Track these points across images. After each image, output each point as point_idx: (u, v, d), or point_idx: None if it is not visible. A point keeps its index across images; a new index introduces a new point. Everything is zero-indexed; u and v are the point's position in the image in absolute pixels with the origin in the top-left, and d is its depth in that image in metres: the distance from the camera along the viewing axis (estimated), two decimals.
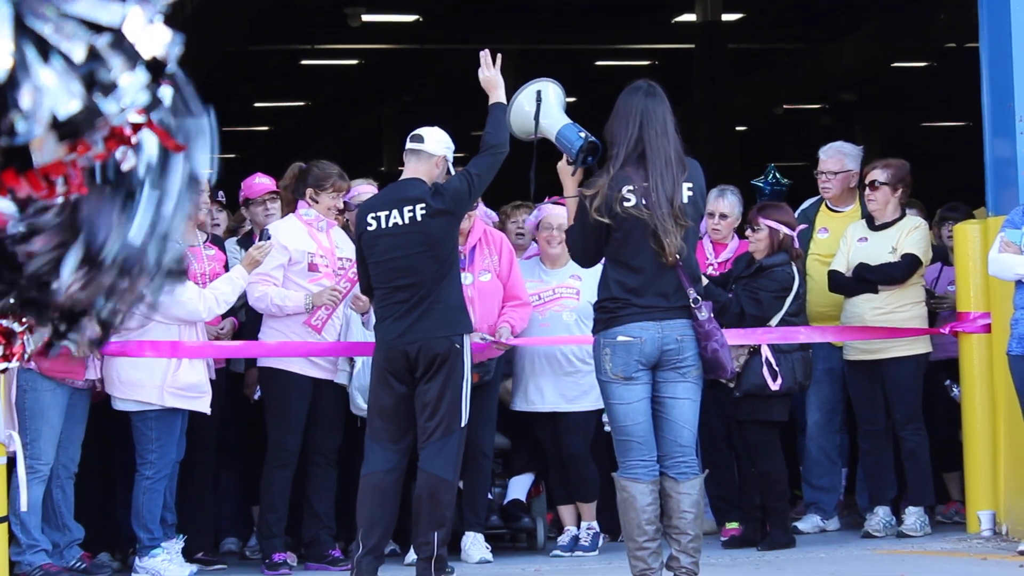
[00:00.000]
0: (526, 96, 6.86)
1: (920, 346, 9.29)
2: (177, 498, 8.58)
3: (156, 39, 2.65)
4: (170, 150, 2.84)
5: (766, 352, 8.76)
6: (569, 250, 6.88)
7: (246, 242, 9.41)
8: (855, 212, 9.68)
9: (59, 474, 8.28)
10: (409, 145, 8.02)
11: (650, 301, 6.41)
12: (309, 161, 9.06)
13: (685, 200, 6.46)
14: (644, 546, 6.40)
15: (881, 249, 9.25)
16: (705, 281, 8.89)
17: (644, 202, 6.38)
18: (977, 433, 9.06)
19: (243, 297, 8.85)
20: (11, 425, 7.60)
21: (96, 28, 2.59)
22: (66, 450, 8.30)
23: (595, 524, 9.05)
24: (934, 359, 9.54)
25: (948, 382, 9.52)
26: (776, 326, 8.82)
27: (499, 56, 7.41)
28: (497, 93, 7.64)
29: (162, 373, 8.24)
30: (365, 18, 21.54)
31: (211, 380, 8.56)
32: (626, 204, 6.38)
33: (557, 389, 8.94)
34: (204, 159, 2.81)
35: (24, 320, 3.14)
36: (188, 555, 8.55)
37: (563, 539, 9.08)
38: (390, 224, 7.80)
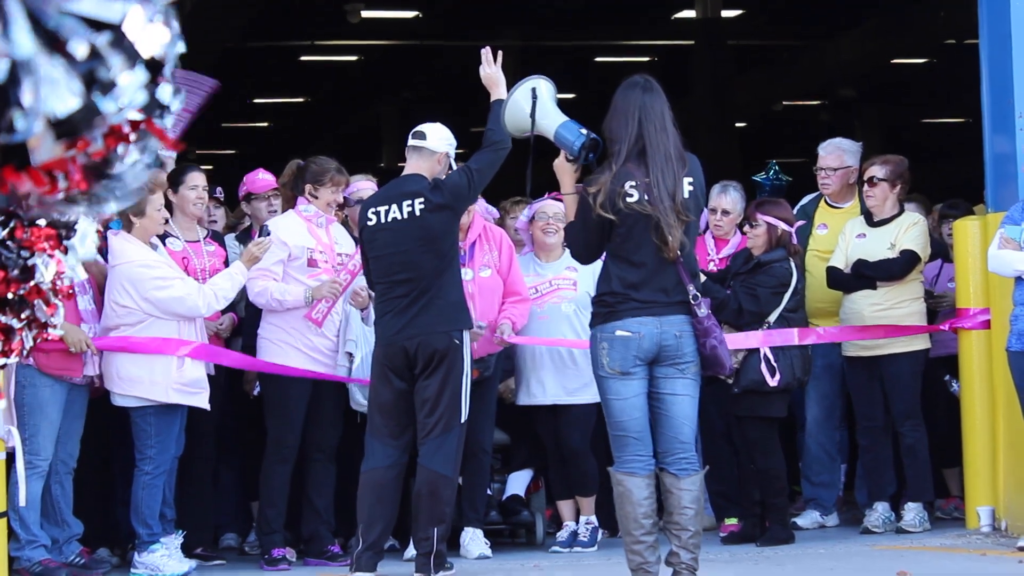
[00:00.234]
0: (521, 94, 6.84)
1: (919, 342, 9.30)
2: (176, 494, 8.59)
3: (155, 38, 2.65)
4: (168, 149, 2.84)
5: (764, 349, 8.76)
6: (569, 247, 6.86)
7: (245, 238, 9.42)
8: (854, 208, 9.69)
9: (58, 470, 8.28)
10: (411, 142, 8.04)
11: (649, 296, 6.41)
12: (307, 158, 9.07)
13: (686, 195, 6.47)
14: (641, 540, 6.40)
15: (880, 245, 9.25)
16: (703, 278, 8.91)
17: (647, 197, 6.38)
18: (976, 429, 9.07)
19: (242, 293, 8.86)
20: (10, 421, 7.60)
21: (97, 26, 2.59)
22: (65, 446, 8.30)
23: (594, 519, 9.05)
24: (934, 355, 9.55)
25: (948, 377, 9.53)
26: (774, 322, 8.82)
27: (500, 53, 7.41)
28: (498, 90, 7.64)
29: (165, 369, 8.24)
30: (364, 14, 21.53)
31: (210, 376, 8.57)
32: (629, 199, 6.38)
33: (558, 381, 8.96)
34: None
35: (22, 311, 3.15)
36: (187, 550, 8.55)
37: (562, 535, 9.09)
38: (389, 219, 7.83)
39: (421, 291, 7.71)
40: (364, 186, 9.24)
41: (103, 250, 8.44)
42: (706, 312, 6.51)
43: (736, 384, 8.80)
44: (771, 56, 24.69)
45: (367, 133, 27.49)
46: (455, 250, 7.95)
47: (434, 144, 7.97)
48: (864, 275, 9.23)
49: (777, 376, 8.75)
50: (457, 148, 8.12)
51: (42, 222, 3.09)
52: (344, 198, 9.05)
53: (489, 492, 9.12)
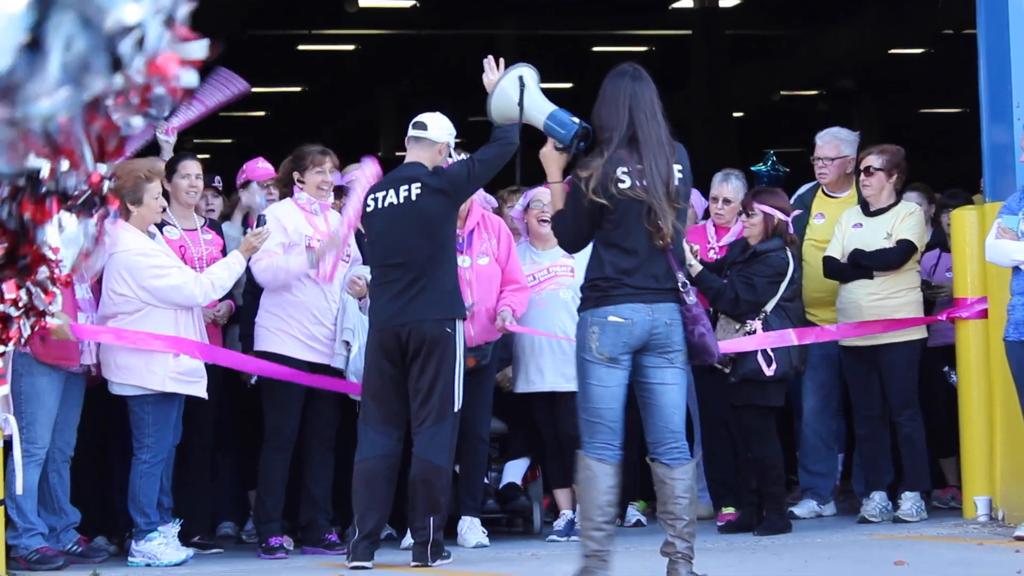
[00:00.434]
0: (508, 82, 6.83)
1: (916, 332, 9.31)
2: (174, 482, 8.60)
3: None
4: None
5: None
6: (557, 235, 6.81)
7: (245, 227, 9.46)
8: (851, 198, 9.69)
9: (55, 458, 8.28)
10: (412, 132, 8.05)
11: (641, 282, 6.39)
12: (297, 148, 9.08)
13: (677, 182, 6.47)
14: (602, 527, 6.38)
15: (876, 235, 9.25)
16: (700, 267, 8.91)
17: (639, 184, 6.37)
18: (974, 419, 9.08)
19: (239, 283, 8.87)
20: (7, 409, 7.59)
21: None
22: (62, 434, 8.31)
23: None
24: (932, 345, 9.57)
25: (946, 368, 9.54)
26: (771, 311, 8.82)
27: (502, 61, 7.35)
28: None
29: (163, 358, 8.24)
30: (362, 3, 21.49)
31: (207, 365, 8.56)
32: (621, 185, 6.37)
33: (557, 368, 8.96)
34: None
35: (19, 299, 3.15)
36: (184, 539, 8.56)
37: (559, 523, 9.10)
38: (385, 203, 7.88)
39: (415, 277, 7.73)
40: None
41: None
42: (695, 299, 6.51)
43: (733, 373, 8.81)
44: (769, 46, 24.66)
45: (364, 122, 27.47)
46: (451, 238, 7.95)
47: (435, 134, 7.99)
48: (861, 265, 9.23)
49: (774, 365, 8.75)
50: (456, 137, 8.13)
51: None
52: (342, 186, 9.05)
53: (486, 481, 9.13)
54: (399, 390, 7.85)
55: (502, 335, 8.91)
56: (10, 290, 3.50)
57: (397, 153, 8.49)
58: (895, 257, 9.21)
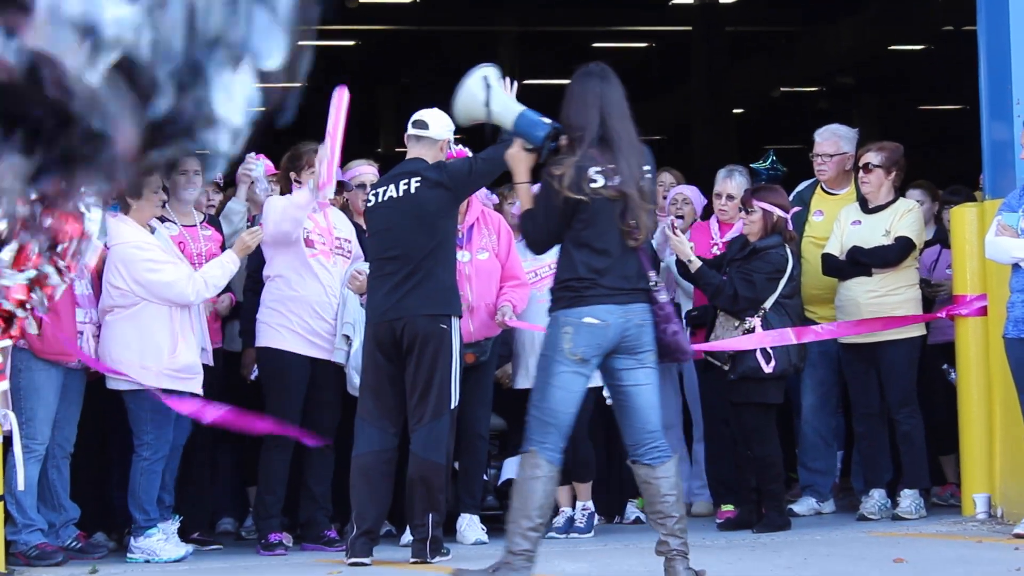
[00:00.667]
0: (474, 83, 6.77)
1: (915, 330, 9.31)
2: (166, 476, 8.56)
3: None
4: None
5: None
6: (527, 235, 6.71)
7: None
8: (850, 195, 9.68)
9: (55, 454, 8.29)
10: (413, 131, 8.05)
11: (614, 283, 6.37)
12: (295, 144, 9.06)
13: (646, 183, 6.46)
14: (538, 527, 6.34)
15: (875, 232, 9.25)
16: (699, 263, 8.91)
17: (611, 183, 6.36)
18: (973, 416, 9.08)
19: (240, 278, 8.86)
20: (6, 405, 7.59)
21: None
22: (62, 430, 8.31)
23: (591, 505, 9.07)
24: (932, 343, 9.57)
25: (946, 366, 9.55)
26: (770, 308, 8.82)
27: (515, 84, 7.30)
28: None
29: (157, 354, 8.23)
30: None
31: (206, 366, 8.55)
32: (594, 185, 6.35)
33: None
34: None
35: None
36: (184, 535, 8.56)
37: (558, 520, 9.10)
38: (385, 197, 7.89)
39: (412, 270, 7.73)
40: (364, 170, 9.27)
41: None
42: (666, 298, 6.49)
43: (732, 371, 8.81)
44: (769, 43, 24.68)
45: (364, 118, 27.47)
46: (451, 235, 7.95)
47: (436, 132, 8.00)
48: (859, 262, 9.23)
49: (772, 363, 8.75)
50: (455, 133, 8.13)
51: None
52: (343, 182, 9.05)
53: (485, 477, 9.14)
54: (395, 385, 7.85)
55: (501, 331, 8.91)
56: (18, 292, 3.51)
57: (397, 149, 8.48)
58: (893, 254, 9.21)
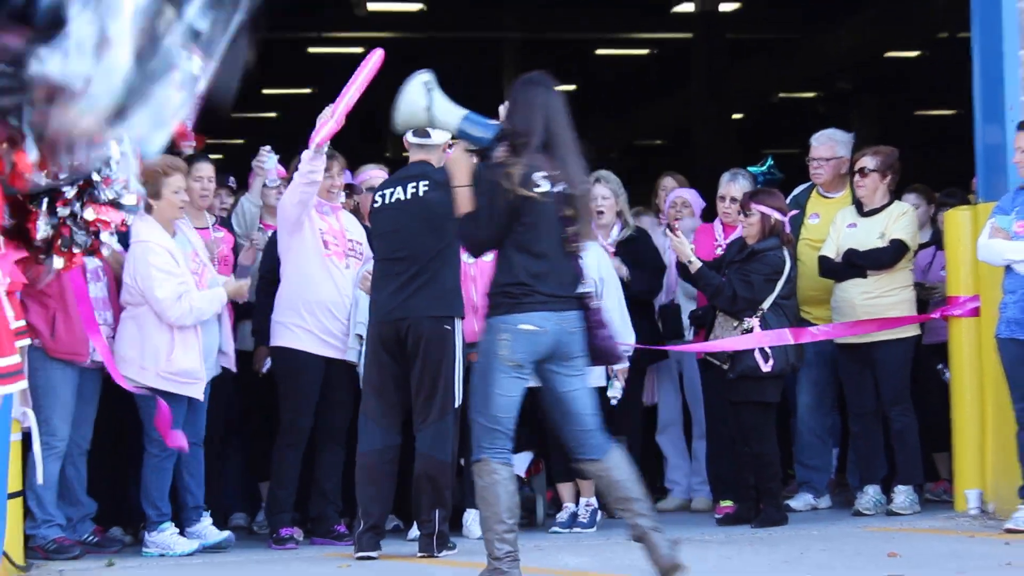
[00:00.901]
0: (414, 89, 6.70)
1: (908, 330, 9.33)
2: (186, 475, 8.57)
3: None
4: None
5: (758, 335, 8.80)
6: (466, 238, 6.60)
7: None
8: (846, 198, 9.70)
9: (72, 451, 8.32)
10: (414, 140, 8.07)
11: (551, 289, 6.34)
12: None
13: (588, 190, 6.49)
14: (513, 528, 6.30)
15: (870, 235, 9.27)
16: (699, 264, 8.93)
17: (556, 189, 6.37)
18: (966, 414, 9.09)
19: (252, 277, 8.88)
20: (25, 403, 7.64)
21: None
22: (78, 428, 8.34)
23: (594, 500, 9.08)
24: (927, 343, 9.59)
25: (940, 366, 9.56)
26: (768, 309, 8.85)
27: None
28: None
29: (154, 356, 8.23)
30: (371, 7, 21.56)
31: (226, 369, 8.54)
32: (538, 189, 6.36)
33: None
34: None
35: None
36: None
37: (562, 516, 9.13)
38: (393, 199, 7.92)
39: (418, 271, 7.75)
40: (375, 174, 9.30)
41: (124, 238, 8.49)
42: (599, 304, 6.50)
43: (731, 370, 8.84)
44: (768, 48, 24.68)
45: (371, 123, 27.47)
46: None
47: (438, 138, 8.03)
48: (855, 264, 9.25)
49: (771, 362, 8.78)
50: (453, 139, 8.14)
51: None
52: (353, 185, 9.08)
53: None
54: (398, 384, 7.88)
55: None
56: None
57: (404, 154, 8.48)
58: (888, 257, 9.23)
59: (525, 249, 6.35)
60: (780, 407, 9.32)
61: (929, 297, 9.72)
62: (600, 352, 6.45)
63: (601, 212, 9.66)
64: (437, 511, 7.89)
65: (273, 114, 29.18)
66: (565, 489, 9.18)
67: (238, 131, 27.17)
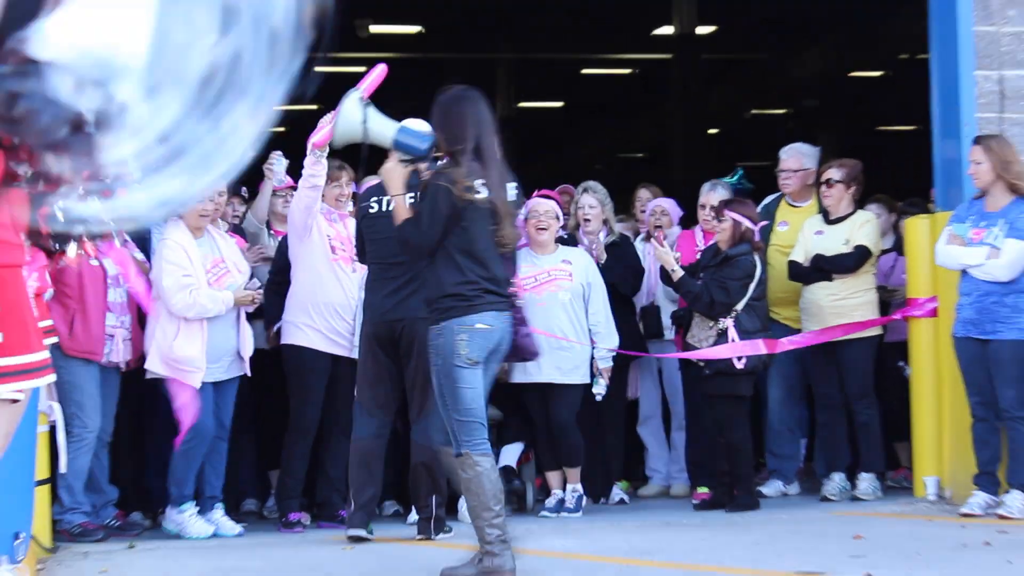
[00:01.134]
0: (350, 106, 6.65)
1: (871, 330, 9.34)
2: (207, 467, 8.54)
3: None
4: None
5: (732, 334, 8.80)
6: (407, 242, 6.51)
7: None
8: (812, 207, 9.72)
9: (106, 442, 8.32)
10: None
11: (496, 289, 6.35)
12: None
13: (508, 195, 6.51)
14: (500, 513, 6.29)
15: (836, 241, 9.29)
16: (681, 272, 8.94)
17: (491, 194, 6.37)
18: (924, 407, 9.11)
19: (261, 279, 8.86)
20: (51, 397, 7.64)
21: None
22: (105, 422, 8.32)
23: (579, 487, 9.09)
24: (889, 341, 9.61)
25: (901, 363, 9.58)
26: (741, 310, 8.85)
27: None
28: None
29: (160, 343, 8.19)
30: (373, 29, 21.55)
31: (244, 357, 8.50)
32: (478, 196, 6.36)
33: (552, 362, 8.95)
34: None
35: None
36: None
37: (550, 501, 9.13)
38: (389, 207, 7.88)
39: (415, 274, 7.74)
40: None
41: (146, 249, 8.49)
42: (522, 303, 6.51)
43: (708, 367, 8.84)
44: (741, 69, 24.70)
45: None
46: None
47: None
48: (822, 268, 9.26)
49: (744, 359, 8.79)
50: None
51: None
52: (356, 194, 9.07)
53: None
54: (392, 378, 7.87)
55: None
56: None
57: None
58: (852, 261, 9.25)
59: (468, 253, 6.34)
60: (752, 400, 9.33)
61: (891, 299, 9.74)
62: (518, 349, 6.45)
63: (588, 220, 9.67)
64: (434, 497, 7.89)
65: (282, 129, 29.15)
66: (553, 477, 9.18)
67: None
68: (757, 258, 8.93)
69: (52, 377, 3.88)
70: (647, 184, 10.84)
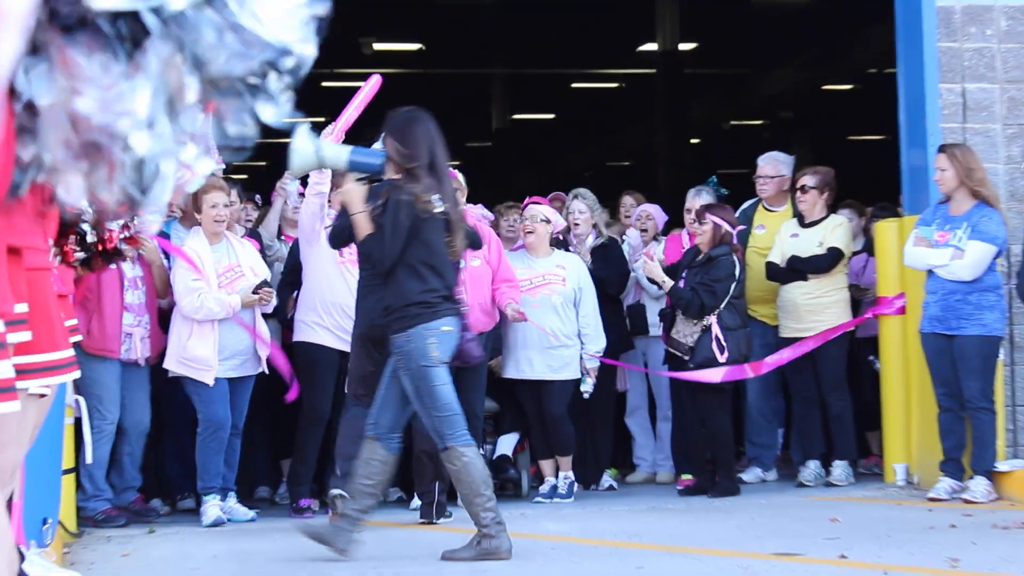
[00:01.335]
0: (301, 138, 6.59)
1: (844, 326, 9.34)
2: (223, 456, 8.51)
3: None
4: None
5: (716, 330, 8.80)
6: (371, 255, 6.57)
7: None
8: (788, 211, 9.72)
9: (130, 434, 8.28)
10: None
11: (451, 295, 6.39)
12: None
13: (459, 208, 6.53)
14: (492, 497, 6.31)
15: (810, 243, 9.29)
16: (671, 282, 8.91)
17: (445, 207, 6.38)
18: (894, 398, 9.12)
19: (274, 278, 8.84)
20: (76, 391, 7.62)
21: None
22: (132, 414, 8.28)
23: (571, 474, 9.08)
24: (860, 336, 9.61)
25: (872, 357, 9.58)
26: (723, 307, 8.84)
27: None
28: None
29: (176, 343, 8.19)
30: (376, 47, 21.56)
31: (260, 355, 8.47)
32: (436, 209, 6.38)
33: (544, 360, 8.95)
34: None
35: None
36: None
37: (544, 488, 9.12)
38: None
39: None
40: None
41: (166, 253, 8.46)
42: (466, 309, 6.52)
43: (692, 360, 8.84)
44: (721, 83, 24.72)
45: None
46: None
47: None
48: (797, 269, 9.27)
49: (726, 353, 8.78)
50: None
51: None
52: None
53: (482, 452, 9.14)
54: (382, 373, 7.85)
55: (494, 327, 8.91)
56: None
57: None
58: (826, 263, 9.25)
59: (427, 263, 6.36)
60: (733, 392, 9.33)
61: (862, 297, 9.74)
62: (461, 353, 6.45)
63: (577, 224, 9.67)
64: (436, 483, 7.88)
65: (290, 139, 29.14)
66: (546, 465, 9.17)
67: (261, 155, 27.15)
68: (736, 259, 8.93)
69: (77, 373, 3.87)
70: (631, 191, 10.88)
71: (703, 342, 8.79)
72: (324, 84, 24.43)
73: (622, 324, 9.83)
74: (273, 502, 9.48)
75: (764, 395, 9.75)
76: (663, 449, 10.12)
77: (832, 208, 9.64)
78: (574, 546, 6.94)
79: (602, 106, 26.07)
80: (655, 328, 9.64)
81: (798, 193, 9.44)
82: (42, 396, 3.57)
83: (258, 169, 28.29)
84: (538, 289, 9.07)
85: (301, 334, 8.68)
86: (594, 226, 9.75)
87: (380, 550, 6.89)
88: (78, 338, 5.57)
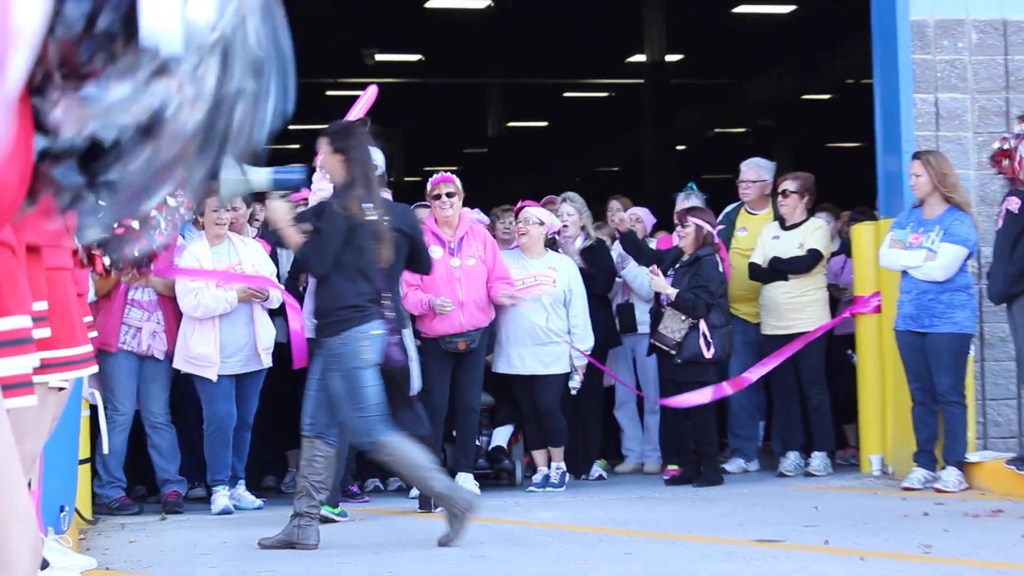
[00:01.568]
0: (227, 171, 6.57)
1: (823, 324, 9.34)
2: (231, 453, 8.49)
3: None
4: None
5: (703, 327, 8.80)
6: (308, 261, 6.54)
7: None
8: (769, 215, 9.73)
9: (155, 425, 8.26)
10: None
11: (379, 300, 6.37)
12: None
13: (385, 218, 6.51)
14: (437, 467, 6.31)
15: (791, 245, 9.29)
16: (675, 291, 8.88)
17: (377, 217, 6.38)
18: (870, 392, 9.12)
19: (281, 276, 8.81)
20: (93, 384, 7.62)
21: None
22: (151, 407, 8.27)
23: (563, 465, 9.08)
24: (838, 333, 9.62)
25: (849, 352, 9.59)
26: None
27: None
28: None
29: (181, 342, 8.17)
30: (378, 57, 21.54)
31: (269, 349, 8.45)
32: (369, 218, 6.38)
33: (535, 356, 8.95)
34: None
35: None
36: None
37: (537, 478, 9.11)
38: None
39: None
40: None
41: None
42: (392, 314, 6.51)
43: (679, 356, 8.84)
44: (705, 93, 24.72)
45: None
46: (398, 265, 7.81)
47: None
48: (778, 269, 9.27)
49: (712, 350, 8.79)
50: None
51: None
52: None
53: (478, 443, 9.14)
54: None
55: (490, 323, 8.89)
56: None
57: (405, 179, 8.45)
58: (805, 264, 9.25)
59: (359, 269, 6.36)
60: None
61: (841, 296, 9.75)
62: (387, 356, 6.42)
63: (566, 227, 9.66)
64: None
65: (297, 146, 29.15)
66: (539, 455, 9.17)
67: (267, 162, 27.14)
68: (718, 258, 8.94)
69: (94, 368, 3.86)
70: (618, 196, 10.87)
71: (691, 338, 8.79)
72: (328, 93, 24.45)
73: (611, 322, 9.83)
74: (280, 491, 9.47)
75: (746, 389, 9.74)
76: (650, 441, 10.11)
77: (811, 212, 9.65)
78: (566, 533, 6.94)
79: (593, 114, 26.08)
80: (643, 326, 9.64)
81: (779, 197, 9.44)
82: (60, 390, 3.57)
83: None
84: (531, 289, 9.06)
85: (311, 330, 8.64)
86: (582, 228, 9.75)
87: (381, 538, 6.89)
88: (93, 334, 5.57)
